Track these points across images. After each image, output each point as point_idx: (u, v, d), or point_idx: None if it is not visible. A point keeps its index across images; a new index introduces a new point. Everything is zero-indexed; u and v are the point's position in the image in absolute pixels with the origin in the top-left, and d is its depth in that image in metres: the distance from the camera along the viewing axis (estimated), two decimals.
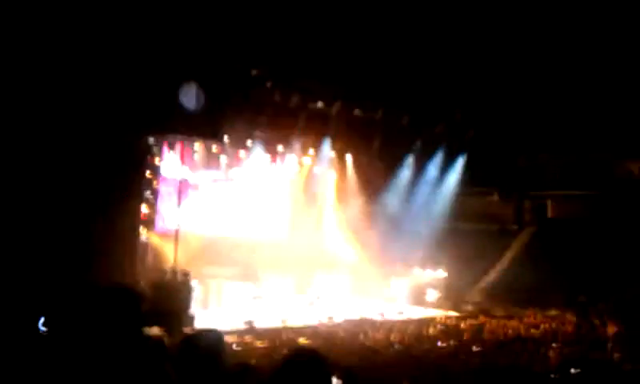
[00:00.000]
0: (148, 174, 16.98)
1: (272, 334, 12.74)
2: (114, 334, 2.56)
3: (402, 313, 17.58)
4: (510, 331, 13.48)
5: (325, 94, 19.00)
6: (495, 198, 24.30)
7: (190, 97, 15.59)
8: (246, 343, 11.80)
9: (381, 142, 20.62)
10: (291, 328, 13.82)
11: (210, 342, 2.91)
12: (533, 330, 13.59)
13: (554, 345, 11.03)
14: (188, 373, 2.75)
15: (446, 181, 22.22)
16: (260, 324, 14.03)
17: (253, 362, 4.98)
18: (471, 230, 21.83)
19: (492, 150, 21.87)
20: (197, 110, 15.78)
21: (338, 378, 4.72)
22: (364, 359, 9.20)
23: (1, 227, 12.68)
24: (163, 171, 17.41)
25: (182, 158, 17.75)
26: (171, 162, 17.60)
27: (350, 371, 4.97)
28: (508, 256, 21.83)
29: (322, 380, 2.45)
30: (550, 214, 23.94)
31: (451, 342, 11.83)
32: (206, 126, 17.22)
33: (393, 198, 21.41)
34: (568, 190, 22.65)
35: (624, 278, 17.35)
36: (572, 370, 8.41)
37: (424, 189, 21.96)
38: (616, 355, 10.68)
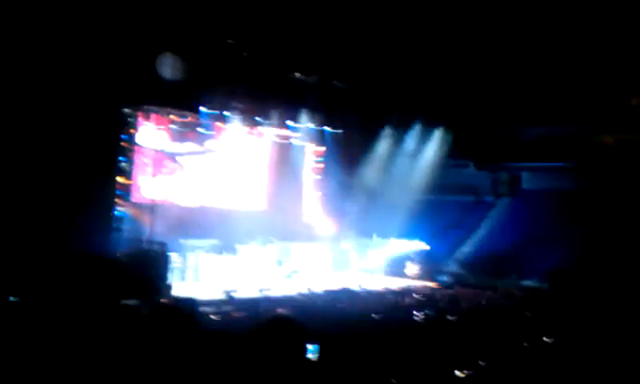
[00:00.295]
0: (123, 144, 16.79)
1: (250, 305, 12.78)
2: (91, 303, 2.54)
3: (379, 284, 17.74)
4: (484, 301, 13.68)
5: (303, 65, 18.87)
6: (471, 169, 24.48)
7: (166, 67, 15.41)
8: (225, 314, 11.82)
9: (359, 114, 20.58)
10: (270, 299, 13.88)
11: (185, 309, 2.91)
12: (507, 300, 13.81)
13: (527, 314, 11.19)
14: (164, 340, 2.73)
15: (423, 153, 22.34)
16: (238, 295, 14.07)
17: (231, 332, 4.97)
18: (448, 202, 22.03)
19: (469, 122, 21.98)
20: (173, 81, 15.61)
21: (316, 345, 4.75)
22: (341, 329, 9.26)
23: None
24: (139, 142, 17.22)
25: (158, 128, 17.57)
26: (147, 133, 17.41)
27: (327, 339, 4.98)
28: (484, 227, 22.08)
29: (296, 347, 2.48)
30: (525, 185, 24.20)
31: (427, 312, 11.95)
32: (182, 97, 17.05)
33: (371, 170, 21.48)
34: (543, 162, 22.88)
35: (596, 249, 17.67)
36: (545, 339, 8.57)
37: (401, 161, 22.05)
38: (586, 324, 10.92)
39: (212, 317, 11.03)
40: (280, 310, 11.91)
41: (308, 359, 2.80)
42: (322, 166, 21.63)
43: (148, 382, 2.45)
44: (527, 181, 24.19)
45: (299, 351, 2.49)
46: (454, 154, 22.76)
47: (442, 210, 21.09)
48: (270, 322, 2.65)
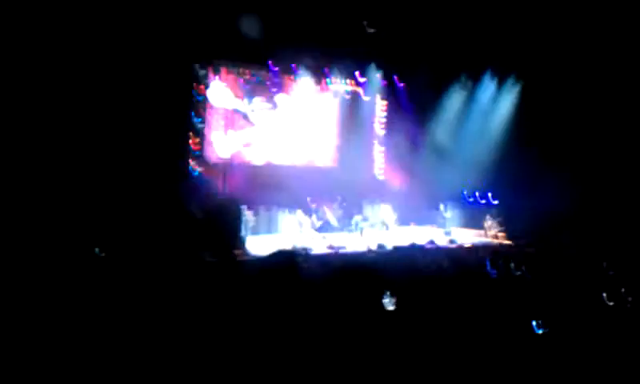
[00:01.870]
0: (196, 103, 17.02)
1: (325, 260, 12.87)
2: (171, 256, 2.52)
3: (452, 239, 17.49)
4: (560, 255, 13.24)
5: (372, 18, 18.44)
6: (547, 123, 23.42)
7: (237, 22, 15.40)
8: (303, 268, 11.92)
9: (431, 67, 20.02)
10: (343, 254, 13.95)
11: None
12: (583, 253, 13.30)
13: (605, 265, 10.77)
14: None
15: (498, 105, 21.56)
16: (313, 251, 14.20)
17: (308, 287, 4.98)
18: (525, 157, 21.23)
19: (548, 75, 20.96)
20: (243, 36, 15.60)
21: (391, 295, 4.69)
22: (416, 282, 9.17)
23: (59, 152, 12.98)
24: (212, 100, 17.40)
25: (230, 86, 17.68)
26: (219, 91, 17.55)
27: (404, 291, 4.92)
28: (564, 183, 21.19)
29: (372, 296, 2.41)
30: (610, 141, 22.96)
31: (504, 268, 11.68)
32: (252, 53, 17.06)
33: (443, 123, 20.97)
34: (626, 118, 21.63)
35: None
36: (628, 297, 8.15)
37: (476, 113, 21.39)
38: None
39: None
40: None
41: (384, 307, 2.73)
42: (392, 120, 21.24)
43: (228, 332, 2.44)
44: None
45: (376, 301, 2.42)
46: (530, 108, 21.83)
47: (519, 164, 20.35)
48: (343, 273, 2.59)
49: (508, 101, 21.53)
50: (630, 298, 8.10)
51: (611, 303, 8.04)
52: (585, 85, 20.33)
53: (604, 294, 8.11)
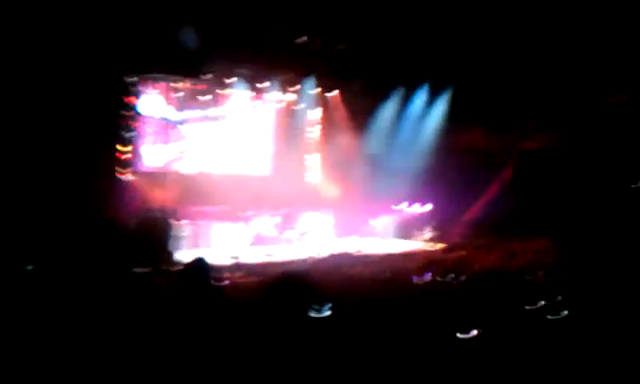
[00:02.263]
0: (128, 113, 16.71)
1: (260, 270, 12.81)
2: (103, 270, 2.47)
3: (388, 247, 17.74)
4: (496, 262, 13.63)
5: (307, 29, 18.59)
6: (481, 131, 24.20)
7: (168, 34, 15.24)
8: (236, 279, 11.85)
9: (365, 78, 20.33)
10: (278, 263, 13.92)
11: (201, 268, 2.86)
12: (519, 259, 13.76)
13: (539, 273, 11.17)
14: (182, 300, 2.69)
15: (431, 115, 22.08)
16: (247, 260, 14.12)
17: (243, 296, 4.97)
18: (457, 164, 21.83)
19: (477, 83, 21.66)
20: (175, 48, 15.45)
21: (326, 303, 4.73)
22: (350, 289, 9.28)
23: None
24: (144, 111, 17.12)
25: (163, 96, 17.45)
26: (153, 102, 17.29)
27: (338, 298, 4.97)
28: (493, 188, 21.91)
29: (310, 297, 2.43)
30: (536, 144, 23.92)
31: (435, 274, 11.93)
32: (186, 64, 16.89)
33: (378, 134, 21.28)
34: (552, 121, 22.59)
35: (607, 207, 17.55)
36: (558, 297, 8.54)
37: (409, 124, 21.82)
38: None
39: (225, 282, 11.06)
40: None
41: (312, 317, 2.75)
42: (328, 130, 21.41)
43: (162, 346, 2.40)
44: (537, 141, 23.91)
45: (304, 310, 2.44)
46: (462, 117, 22.48)
47: (453, 172, 20.90)
48: (277, 281, 2.60)
49: (440, 110, 22.09)
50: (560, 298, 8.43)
51: (530, 308, 8.35)
52: (514, 92, 21.15)
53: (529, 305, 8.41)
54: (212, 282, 2.81)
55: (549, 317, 7.56)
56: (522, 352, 5.86)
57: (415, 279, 11.41)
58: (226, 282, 11.09)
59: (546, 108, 22.78)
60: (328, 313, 4.58)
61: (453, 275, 11.40)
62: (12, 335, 2.20)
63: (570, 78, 21.33)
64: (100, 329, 2.20)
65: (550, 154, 22.12)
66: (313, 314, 2.45)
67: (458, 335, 6.78)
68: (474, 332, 6.97)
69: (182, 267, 2.90)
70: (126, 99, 16.70)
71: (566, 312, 7.82)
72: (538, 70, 21.44)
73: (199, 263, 2.97)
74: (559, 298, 8.46)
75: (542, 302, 8.36)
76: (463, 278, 11.03)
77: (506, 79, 22.09)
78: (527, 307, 8.39)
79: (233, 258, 14.16)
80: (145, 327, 2.34)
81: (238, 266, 13.53)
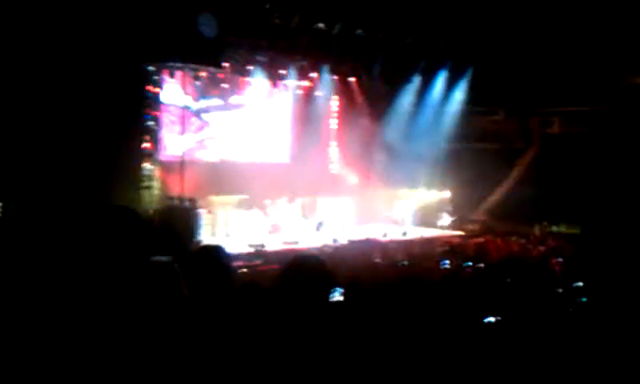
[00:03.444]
0: (148, 103, 16.86)
1: (279, 258, 12.91)
2: (120, 257, 2.53)
3: (406, 234, 17.75)
4: (515, 248, 13.60)
5: (326, 14, 18.53)
6: (501, 116, 24.04)
7: (200, 25, 15.29)
8: (254, 267, 11.96)
9: (384, 64, 20.24)
10: (297, 251, 13.99)
11: (217, 253, 2.90)
12: (539, 247, 13.71)
13: (559, 260, 11.12)
14: (198, 288, 2.74)
15: (450, 101, 21.94)
16: (267, 248, 14.23)
17: (262, 284, 5.03)
18: (477, 150, 21.73)
19: (497, 68, 21.47)
20: (196, 36, 15.50)
21: (341, 287, 4.79)
22: (367, 275, 9.32)
23: None
24: (164, 100, 17.26)
25: (182, 85, 17.56)
26: (172, 91, 17.42)
27: (353, 281, 5.01)
28: (514, 174, 21.80)
29: (324, 281, 2.46)
30: (556, 130, 23.73)
31: (456, 262, 11.93)
32: (206, 53, 16.94)
33: (397, 120, 21.21)
34: (575, 107, 22.36)
35: (630, 193, 17.35)
36: (578, 284, 8.51)
37: (428, 110, 21.71)
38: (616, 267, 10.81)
39: (243, 271, 11.18)
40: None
41: (333, 301, 2.79)
42: (346, 117, 21.40)
43: (178, 336, 2.47)
44: (558, 126, 23.71)
45: (325, 293, 2.47)
46: (483, 101, 22.33)
47: (471, 158, 20.80)
48: (297, 258, 2.64)
49: (460, 95, 21.94)
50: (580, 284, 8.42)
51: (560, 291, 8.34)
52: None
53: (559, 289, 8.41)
54: (228, 268, 2.85)
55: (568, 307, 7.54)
56: (540, 340, 5.87)
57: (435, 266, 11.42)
58: (244, 270, 11.22)
59: (568, 92, 22.54)
60: (339, 297, 4.64)
61: (471, 263, 11.39)
62: (28, 322, 2.27)
63: (591, 59, 21.07)
64: (116, 317, 2.27)
65: (572, 139, 21.92)
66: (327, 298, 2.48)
67: (480, 320, 6.83)
68: (492, 319, 7.00)
69: (196, 253, 2.93)
70: (147, 88, 16.84)
71: (584, 299, 7.81)
72: (559, 53, 21.21)
73: (213, 249, 3.00)
74: (579, 284, 8.44)
75: (560, 290, 8.36)
76: (482, 265, 11.00)
77: (527, 62, 21.90)
78: (545, 295, 8.40)
79: (252, 245, 14.26)
80: (161, 315, 2.41)
81: (257, 254, 13.64)
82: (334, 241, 15.42)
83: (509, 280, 9.37)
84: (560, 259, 11.22)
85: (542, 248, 13.47)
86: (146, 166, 16.60)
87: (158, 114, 17.09)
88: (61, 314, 2.31)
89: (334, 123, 21.69)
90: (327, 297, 2.50)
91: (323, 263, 2.50)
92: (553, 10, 19.25)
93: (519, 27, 20.02)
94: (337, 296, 3.85)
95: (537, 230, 16.46)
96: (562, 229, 16.18)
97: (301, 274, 2.43)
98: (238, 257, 12.79)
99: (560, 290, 8.47)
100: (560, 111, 23.21)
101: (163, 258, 3.14)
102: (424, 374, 4.31)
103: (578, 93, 22.13)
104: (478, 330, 6.70)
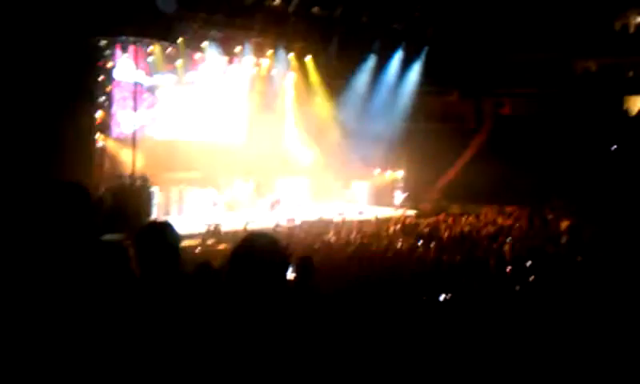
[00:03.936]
0: (100, 78, 16.47)
1: (233, 237, 12.83)
2: (68, 234, 2.45)
3: (361, 213, 17.87)
4: (466, 228, 13.85)
5: None
6: (454, 97, 24.38)
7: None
8: (208, 246, 11.89)
9: (340, 42, 20.19)
10: (251, 230, 13.93)
11: (165, 231, 2.84)
12: (489, 227, 13.99)
13: (508, 239, 11.39)
14: (147, 266, 2.69)
15: (405, 81, 22.10)
16: (221, 228, 14.12)
17: (216, 263, 5.01)
18: (431, 130, 21.99)
19: (451, 49, 21.71)
20: (149, 10, 15.18)
21: (294, 267, 4.80)
22: (321, 255, 9.38)
23: None
24: (117, 75, 16.87)
25: (135, 61, 17.17)
26: (125, 66, 17.02)
27: (305, 261, 5.02)
28: (466, 155, 22.15)
29: (277, 259, 2.43)
30: (508, 111, 24.21)
31: (409, 240, 12.11)
32: (159, 27, 16.60)
33: (352, 99, 21.25)
34: (526, 88, 22.83)
35: (579, 174, 17.86)
36: (527, 263, 8.73)
37: (383, 89, 21.82)
38: (567, 247, 11.16)
39: (197, 251, 11.12)
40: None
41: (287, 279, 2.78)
42: (302, 96, 21.32)
43: (130, 319, 2.43)
44: (509, 108, 24.20)
45: (278, 272, 2.45)
46: (437, 82, 22.58)
47: (425, 138, 21.05)
48: (250, 236, 2.60)
49: (414, 75, 22.12)
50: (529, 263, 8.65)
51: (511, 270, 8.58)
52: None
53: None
54: (176, 246, 2.79)
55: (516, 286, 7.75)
56: (489, 318, 6.01)
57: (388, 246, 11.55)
58: (198, 250, 11.15)
59: (520, 74, 23.00)
60: (291, 276, 4.66)
61: (422, 241, 11.58)
62: None
63: (543, 43, 21.50)
64: (63, 297, 2.22)
65: (523, 120, 22.40)
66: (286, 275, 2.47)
67: (440, 297, 6.98)
68: (443, 296, 7.15)
69: (144, 230, 2.85)
70: (98, 63, 16.44)
71: (532, 277, 8.03)
72: (512, 36, 21.58)
73: (161, 226, 2.93)
74: (528, 263, 8.68)
75: (509, 269, 8.59)
76: (433, 244, 11.20)
77: (481, 45, 22.21)
78: (493, 273, 8.62)
79: (206, 224, 14.14)
80: (109, 295, 2.37)
81: (211, 233, 13.54)
82: (289, 220, 15.42)
83: (459, 258, 9.62)
84: (509, 239, 11.51)
85: (491, 228, 13.75)
86: (98, 142, 16.25)
87: (110, 89, 16.71)
88: (6, 294, 2.24)
89: (289, 101, 21.58)
90: (281, 276, 2.48)
91: (276, 241, 2.47)
92: None
93: (473, 9, 20.26)
94: (289, 274, 3.86)
95: (488, 210, 16.78)
96: (510, 209, 16.54)
97: (253, 252, 2.39)
98: (191, 236, 12.69)
99: (508, 269, 8.73)
100: (512, 93, 23.69)
101: (114, 237, 3.07)
102: (378, 351, 4.38)
103: (529, 75, 22.63)
104: (431, 308, 6.85)
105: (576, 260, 9.44)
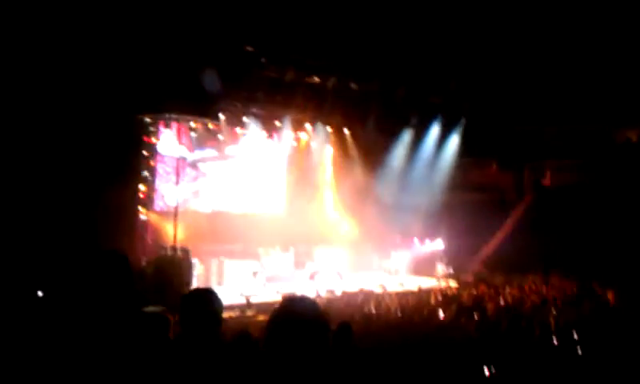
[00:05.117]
0: (145, 153, 16.99)
1: (272, 308, 12.75)
2: (112, 304, 2.51)
3: (402, 284, 17.65)
4: (510, 298, 13.52)
5: (320, 68, 18.87)
6: (494, 168, 24.28)
7: (206, 79, 15.53)
8: (247, 317, 11.84)
9: (377, 116, 20.50)
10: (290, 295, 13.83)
11: (208, 297, 2.87)
12: (533, 297, 13.63)
13: (554, 311, 11.06)
14: (190, 333, 2.71)
15: (443, 153, 22.18)
16: (260, 299, 14.09)
17: (255, 334, 5.01)
18: (471, 201, 21.83)
19: (489, 120, 21.80)
20: (192, 88, 15.73)
21: (332, 334, 4.73)
22: (361, 326, 9.25)
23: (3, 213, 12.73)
24: (160, 150, 17.38)
25: (178, 136, 17.70)
26: (168, 141, 17.55)
27: (345, 324, 4.97)
28: (507, 225, 21.85)
29: (317, 323, 2.36)
30: (549, 182, 23.92)
31: (451, 311, 11.85)
32: (201, 105, 17.15)
33: (391, 171, 21.37)
34: (567, 159, 22.61)
35: (624, 245, 17.38)
36: (574, 334, 8.45)
37: (422, 161, 21.92)
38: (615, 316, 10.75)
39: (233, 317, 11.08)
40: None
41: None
42: (341, 168, 21.54)
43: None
44: (550, 178, 23.94)
45: (322, 333, 2.38)
46: (476, 153, 22.59)
47: (464, 209, 20.90)
48: (289, 297, 2.55)
49: (452, 146, 22.22)
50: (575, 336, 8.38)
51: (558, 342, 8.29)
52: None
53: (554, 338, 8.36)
54: (218, 312, 2.81)
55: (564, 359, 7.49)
56: None
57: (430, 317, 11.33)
58: (235, 317, 11.09)
59: (560, 144, 22.85)
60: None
61: (467, 314, 11.31)
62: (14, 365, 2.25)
63: (582, 112, 21.42)
64: (104, 365, 2.25)
65: (565, 191, 22.09)
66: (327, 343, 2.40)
67: (485, 370, 6.77)
68: (487, 372, 6.93)
69: (187, 296, 2.88)
70: (144, 138, 17.00)
71: (579, 351, 7.75)
72: (551, 105, 21.58)
73: (204, 292, 2.96)
74: (574, 336, 8.39)
75: (556, 342, 8.31)
76: (477, 316, 10.94)
77: (519, 114, 22.25)
78: (540, 346, 8.34)
79: (244, 295, 14.12)
80: (151, 365, 2.39)
81: (249, 304, 13.51)
82: (329, 292, 15.31)
83: (503, 329, 9.35)
84: (554, 311, 11.17)
85: (536, 298, 13.40)
86: (141, 215, 16.61)
87: (153, 164, 17.18)
88: (53, 360, 2.29)
89: (328, 173, 21.81)
90: (322, 339, 2.38)
91: (315, 303, 2.42)
92: (544, 62, 19.64)
93: (510, 80, 20.39)
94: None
95: (531, 281, 16.40)
96: (554, 280, 16.14)
97: (293, 314, 2.35)
98: (230, 307, 12.69)
99: (555, 342, 8.44)
100: (551, 163, 23.48)
101: (156, 309, 3.12)
102: None
103: (569, 145, 22.45)
104: (477, 382, 6.65)
105: (623, 330, 9.09)
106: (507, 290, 14.84)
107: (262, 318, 11.80)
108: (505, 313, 11.68)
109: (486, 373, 6.93)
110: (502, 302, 13.03)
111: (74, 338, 2.37)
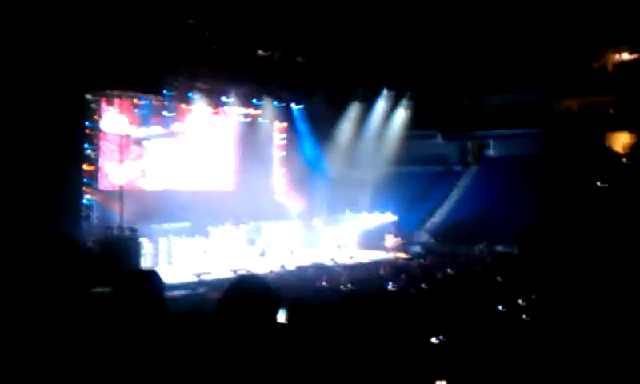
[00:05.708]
0: (88, 131, 16.54)
1: (224, 285, 12.70)
2: (61, 291, 2.43)
3: (352, 257, 17.84)
4: (457, 268, 13.83)
5: (265, 41, 18.66)
6: (439, 140, 24.68)
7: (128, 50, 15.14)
8: (199, 295, 11.77)
9: (324, 90, 20.48)
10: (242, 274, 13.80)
11: (150, 279, 2.81)
12: (479, 266, 14.00)
13: (499, 279, 11.38)
14: (132, 313, 2.66)
15: (390, 126, 22.39)
16: (211, 276, 14.02)
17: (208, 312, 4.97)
18: (416, 173, 22.19)
19: (434, 93, 22.09)
20: (137, 64, 15.37)
21: (286, 308, 4.76)
22: (313, 298, 9.32)
23: None
24: (104, 128, 16.95)
25: (122, 113, 17.29)
26: (111, 119, 17.12)
27: (297, 302, 4.99)
28: (453, 196, 22.31)
29: (268, 301, 2.41)
30: (492, 153, 24.48)
31: (399, 282, 12.05)
32: (145, 81, 16.78)
33: (338, 145, 21.46)
34: (509, 129, 23.14)
35: (564, 213, 17.96)
36: (519, 302, 8.73)
37: (368, 135, 22.07)
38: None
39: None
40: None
41: (279, 322, 2.76)
42: (289, 143, 21.51)
43: (121, 369, 2.40)
44: (494, 148, 24.49)
45: (269, 314, 2.43)
46: (420, 126, 22.88)
47: (411, 181, 21.23)
48: (239, 278, 2.58)
49: (400, 120, 22.43)
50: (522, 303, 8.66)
51: (504, 309, 8.54)
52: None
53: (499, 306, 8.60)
54: (161, 294, 2.76)
55: (524, 317, 7.76)
56: (484, 358, 5.99)
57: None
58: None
59: (503, 115, 23.35)
60: (283, 319, 4.63)
61: (416, 284, 11.54)
62: None
63: (523, 85, 21.89)
64: (52, 350, 2.20)
65: (508, 161, 22.65)
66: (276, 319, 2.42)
67: (432, 340, 6.91)
68: (440, 337, 7.10)
69: (128, 278, 2.82)
70: (86, 116, 16.53)
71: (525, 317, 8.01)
72: (494, 77, 21.97)
73: (146, 274, 2.91)
74: (520, 302, 8.67)
75: (501, 308, 8.56)
76: (425, 286, 11.17)
77: (463, 87, 22.59)
78: (487, 313, 8.58)
79: (198, 274, 14.02)
80: (98, 347, 2.34)
81: (200, 282, 13.43)
82: (281, 267, 15.34)
83: (451, 300, 9.58)
84: (499, 278, 11.50)
85: (482, 267, 13.76)
86: (86, 195, 16.21)
87: (97, 142, 16.77)
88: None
89: (277, 148, 21.75)
90: (272, 318, 2.45)
91: (267, 283, 2.46)
92: (487, 35, 19.95)
93: (454, 52, 20.66)
94: (281, 317, 3.84)
95: (477, 250, 16.83)
96: (501, 249, 16.60)
97: (243, 294, 2.38)
98: (181, 285, 12.60)
99: (501, 308, 8.70)
100: (494, 134, 24.01)
101: (103, 290, 3.05)
102: None
103: (512, 116, 22.96)
104: (425, 350, 6.80)
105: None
106: (455, 259, 15.18)
107: (212, 295, 11.74)
108: (452, 282, 11.97)
109: (434, 341, 7.10)
110: (449, 271, 13.33)
111: (20, 322, 2.30)
